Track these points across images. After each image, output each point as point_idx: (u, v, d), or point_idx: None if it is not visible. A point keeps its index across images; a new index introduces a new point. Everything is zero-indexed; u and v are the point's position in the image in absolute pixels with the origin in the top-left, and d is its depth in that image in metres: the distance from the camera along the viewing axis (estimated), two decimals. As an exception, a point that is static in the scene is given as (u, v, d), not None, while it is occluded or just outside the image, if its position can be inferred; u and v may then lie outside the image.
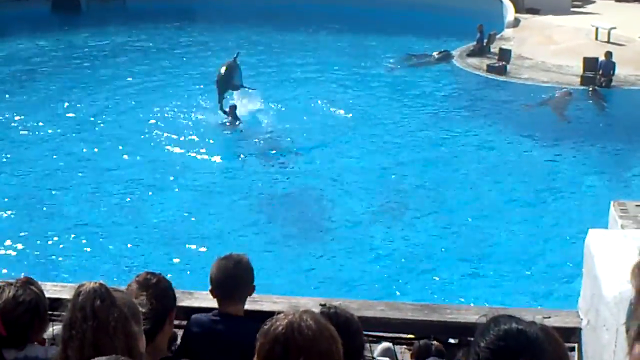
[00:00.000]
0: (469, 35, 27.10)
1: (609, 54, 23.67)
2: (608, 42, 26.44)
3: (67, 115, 21.63)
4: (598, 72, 23.38)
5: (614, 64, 23.47)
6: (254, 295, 4.52)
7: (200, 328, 4.38)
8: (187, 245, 14.24)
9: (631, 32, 26.85)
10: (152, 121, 20.86)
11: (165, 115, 21.37)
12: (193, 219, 15.48)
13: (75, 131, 20.43)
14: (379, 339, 4.74)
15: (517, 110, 21.91)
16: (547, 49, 26.78)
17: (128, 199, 16.31)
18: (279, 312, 2.61)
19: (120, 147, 19.00)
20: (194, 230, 14.88)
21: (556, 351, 2.57)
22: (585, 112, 22.07)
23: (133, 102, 22.66)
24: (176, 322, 4.05)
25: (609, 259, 4.55)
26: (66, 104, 22.39)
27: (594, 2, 32.55)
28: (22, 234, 14.60)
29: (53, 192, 16.61)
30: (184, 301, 4.46)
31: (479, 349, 2.63)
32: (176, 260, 13.60)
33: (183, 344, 4.43)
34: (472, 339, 2.59)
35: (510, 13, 30.33)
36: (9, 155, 18.81)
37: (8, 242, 14.23)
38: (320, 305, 4.59)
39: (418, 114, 21.78)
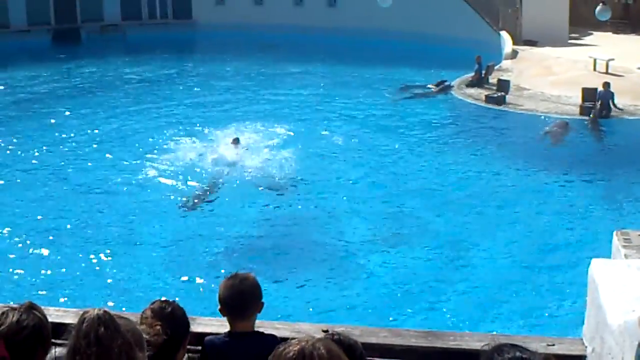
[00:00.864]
0: (467, 67, 27.26)
1: (607, 85, 23.81)
2: (606, 73, 26.60)
3: (67, 144, 21.67)
4: (597, 102, 23.50)
5: (612, 94, 23.61)
6: (256, 321, 4.52)
7: (216, 350, 4.44)
8: (183, 272, 14.24)
9: (629, 63, 27.03)
10: (152, 149, 20.89)
11: (165, 143, 21.40)
12: (186, 243, 15.47)
13: (75, 159, 20.46)
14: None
15: (517, 140, 21.98)
16: (545, 80, 26.93)
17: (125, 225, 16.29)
18: (292, 338, 2.60)
19: (119, 175, 19.01)
20: (190, 256, 14.86)
21: None
22: (584, 142, 22.15)
23: (133, 132, 22.72)
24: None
25: (613, 288, 4.55)
26: (65, 134, 22.45)
27: (591, 34, 32.78)
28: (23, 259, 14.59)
29: (53, 218, 16.58)
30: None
31: None
32: (178, 286, 13.54)
33: None
34: None
35: (508, 45, 30.53)
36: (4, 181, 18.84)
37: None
38: (323, 331, 4.58)
39: (417, 144, 21.83)
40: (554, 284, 13.78)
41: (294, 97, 26.53)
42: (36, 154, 20.87)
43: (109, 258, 14.73)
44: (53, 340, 3.64)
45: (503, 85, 25.81)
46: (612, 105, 23.46)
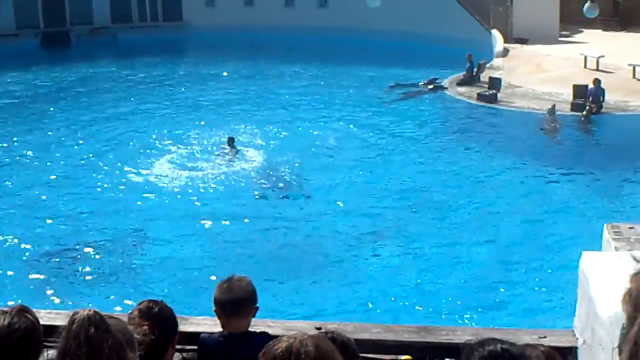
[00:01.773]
0: (459, 65, 27.31)
1: (597, 81, 23.88)
2: (597, 69, 26.68)
3: (58, 147, 21.63)
4: (588, 99, 23.58)
5: (603, 90, 23.69)
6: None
7: (210, 349, 4.48)
8: (180, 273, 14.21)
9: (619, 60, 27.09)
10: (145, 153, 20.87)
11: (157, 146, 21.39)
12: (182, 246, 15.46)
13: (66, 163, 20.42)
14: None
15: (509, 137, 22.04)
16: (536, 77, 27.00)
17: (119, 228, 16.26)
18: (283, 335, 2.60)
19: (110, 180, 18.97)
20: (186, 259, 14.85)
21: None
22: (576, 138, 22.25)
23: (124, 134, 22.69)
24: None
25: (603, 281, 4.57)
26: (55, 136, 22.42)
27: (581, 31, 32.85)
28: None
29: (43, 221, 16.54)
30: (179, 326, 4.45)
31: None
32: (173, 289, 13.53)
33: None
34: None
35: (499, 43, 30.59)
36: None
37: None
38: (316, 328, 4.59)
39: (409, 142, 21.86)
40: (545, 277, 13.85)
41: (286, 97, 26.55)
42: (27, 159, 20.82)
43: (103, 259, 14.71)
44: (45, 343, 3.64)
45: (494, 83, 25.87)
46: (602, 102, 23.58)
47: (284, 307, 12.52)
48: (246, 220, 16.61)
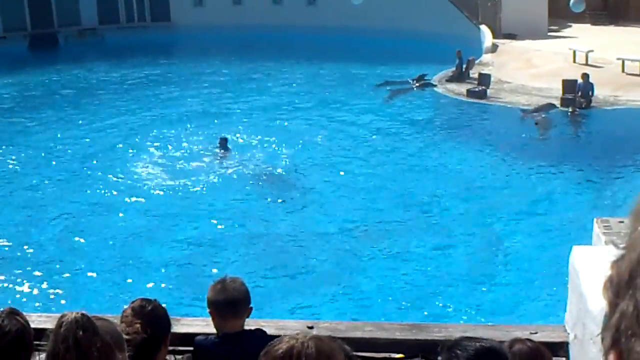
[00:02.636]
0: (448, 62, 27.34)
1: (586, 76, 23.93)
2: (586, 64, 26.75)
3: (46, 150, 21.55)
4: (577, 93, 23.63)
5: (592, 85, 23.74)
6: (242, 320, 4.53)
7: (206, 351, 4.50)
8: (173, 271, 14.21)
9: (608, 54, 27.17)
10: (134, 155, 20.82)
11: (147, 148, 21.34)
12: (170, 246, 15.44)
13: (55, 165, 20.36)
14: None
15: (499, 133, 22.08)
16: (526, 73, 27.05)
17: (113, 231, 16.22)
18: (279, 335, 2.58)
19: (102, 182, 18.91)
20: (180, 259, 14.84)
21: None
22: (565, 133, 22.32)
23: (114, 136, 22.62)
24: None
25: (593, 275, 4.58)
26: (44, 141, 22.33)
27: (570, 26, 32.95)
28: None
29: (30, 228, 16.49)
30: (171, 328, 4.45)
31: None
32: (167, 289, 13.50)
33: None
34: None
35: (488, 39, 30.64)
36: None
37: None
38: (308, 327, 4.60)
39: (399, 139, 21.87)
40: (536, 272, 13.89)
41: (275, 96, 26.53)
42: (15, 161, 20.76)
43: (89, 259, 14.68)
44: (36, 346, 3.63)
45: (484, 79, 25.91)
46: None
47: (276, 306, 12.52)
48: (237, 219, 16.59)
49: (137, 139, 22.10)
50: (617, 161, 19.33)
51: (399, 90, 26.58)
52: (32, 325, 3.70)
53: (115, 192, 18.32)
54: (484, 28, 31.38)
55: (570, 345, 4.71)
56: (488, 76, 26.06)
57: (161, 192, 18.31)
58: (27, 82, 29.32)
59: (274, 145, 21.30)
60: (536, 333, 4.52)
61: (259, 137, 21.98)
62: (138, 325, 3.63)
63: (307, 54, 30.42)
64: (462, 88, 25.89)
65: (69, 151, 21.59)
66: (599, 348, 1.07)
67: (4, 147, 21.84)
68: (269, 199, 17.76)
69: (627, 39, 29.31)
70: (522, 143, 21.14)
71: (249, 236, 15.75)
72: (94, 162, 20.51)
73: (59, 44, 34.47)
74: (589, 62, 26.92)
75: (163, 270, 14.39)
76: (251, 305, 4.52)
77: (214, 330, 4.54)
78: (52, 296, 13.34)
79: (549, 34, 31.88)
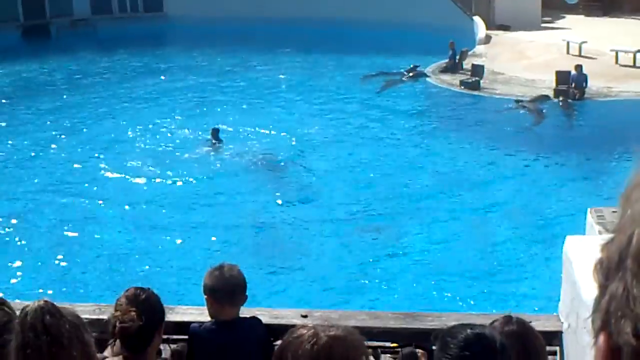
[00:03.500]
0: (441, 53, 27.33)
1: (579, 67, 23.95)
2: (579, 55, 26.75)
3: (38, 139, 21.49)
4: (570, 85, 23.66)
5: (585, 76, 23.76)
6: (235, 309, 4.54)
7: (202, 338, 4.50)
8: (168, 261, 14.21)
9: (601, 45, 27.18)
10: (128, 146, 20.77)
11: (140, 139, 21.30)
12: (168, 237, 15.43)
13: (48, 156, 20.30)
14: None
15: (493, 124, 22.11)
16: (519, 64, 27.06)
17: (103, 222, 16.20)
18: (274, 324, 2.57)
19: (95, 173, 18.87)
20: (175, 249, 14.84)
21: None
22: (558, 124, 22.36)
23: (106, 127, 22.56)
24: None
25: (587, 265, 4.59)
26: (37, 131, 22.28)
27: (563, 17, 32.95)
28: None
29: (26, 217, 16.46)
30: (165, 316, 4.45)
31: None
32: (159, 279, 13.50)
33: (190, 358, 4.57)
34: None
35: (481, 30, 30.62)
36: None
37: None
38: (302, 316, 4.60)
39: (393, 131, 21.87)
40: (530, 261, 13.94)
41: (270, 87, 26.47)
42: (8, 151, 20.71)
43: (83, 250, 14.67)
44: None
45: (477, 70, 25.91)
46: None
47: (270, 294, 12.54)
48: (230, 210, 16.59)
49: (129, 130, 22.04)
50: (610, 152, 19.37)
51: (392, 81, 26.56)
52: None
53: (104, 184, 18.27)
54: (477, 19, 31.36)
55: (564, 334, 4.73)
56: (481, 67, 26.06)
57: (152, 182, 18.28)
58: (19, 72, 29.20)
59: (266, 136, 21.27)
60: (530, 322, 4.52)
61: (252, 128, 21.94)
62: (133, 314, 3.63)
63: (301, 44, 30.33)
64: (456, 79, 25.90)
65: (63, 139, 21.55)
66: (592, 336, 1.07)
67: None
68: (261, 189, 17.75)
69: (621, 30, 29.32)
70: (515, 134, 21.17)
71: (243, 226, 15.75)
72: (85, 152, 20.47)
73: (51, 35, 34.32)
74: (583, 54, 26.93)
75: (154, 261, 14.40)
76: (246, 294, 4.52)
77: (208, 319, 4.54)
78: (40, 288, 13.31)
79: (542, 25, 31.87)
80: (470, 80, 25.29)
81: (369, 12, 31.84)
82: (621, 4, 34.04)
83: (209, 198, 17.31)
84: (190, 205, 16.99)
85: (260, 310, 4.95)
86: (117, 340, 3.70)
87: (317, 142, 20.95)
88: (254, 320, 4.53)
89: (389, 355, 4.69)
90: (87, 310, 4.65)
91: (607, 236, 1.07)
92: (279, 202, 17.06)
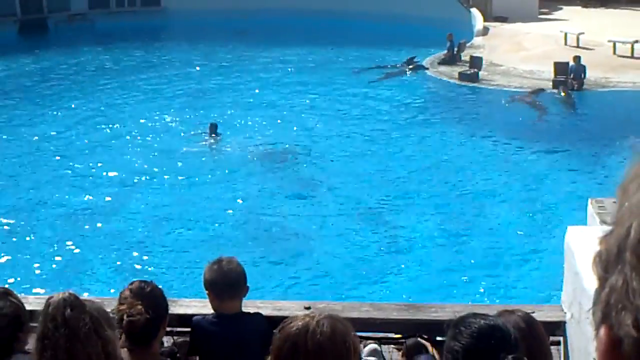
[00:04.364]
0: (439, 45, 27.31)
1: (577, 58, 23.97)
2: (577, 47, 26.77)
3: (36, 135, 21.46)
4: (569, 76, 23.67)
5: (584, 67, 23.78)
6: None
7: (204, 331, 4.51)
8: (168, 255, 14.24)
9: (599, 36, 27.19)
10: (125, 140, 20.75)
11: (138, 133, 21.27)
12: (169, 230, 15.43)
13: (47, 150, 20.27)
14: (366, 340, 4.74)
15: (492, 115, 22.13)
16: (517, 56, 27.06)
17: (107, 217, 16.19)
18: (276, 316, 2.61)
19: (94, 168, 18.84)
20: (174, 241, 14.85)
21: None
22: (557, 115, 22.37)
23: (105, 122, 22.53)
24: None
25: (588, 255, 4.59)
26: (34, 125, 22.24)
27: (560, 8, 32.93)
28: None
29: (24, 214, 16.44)
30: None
31: (457, 353, 2.66)
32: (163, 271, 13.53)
33: (192, 350, 4.59)
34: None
35: (479, 22, 30.61)
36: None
37: None
38: (305, 308, 4.60)
39: (392, 123, 21.86)
40: (531, 252, 13.95)
41: (269, 81, 26.45)
42: (7, 146, 20.70)
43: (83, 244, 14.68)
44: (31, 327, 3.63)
45: (475, 62, 25.90)
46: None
47: (273, 287, 12.56)
48: (230, 204, 16.60)
49: (127, 124, 22.02)
50: (609, 142, 19.40)
51: (390, 74, 26.55)
52: (30, 307, 3.70)
53: (101, 179, 18.25)
54: (474, 11, 31.33)
55: (567, 325, 4.74)
56: (479, 59, 26.05)
57: (150, 176, 18.27)
58: (16, 68, 29.14)
59: (265, 130, 21.26)
60: (533, 313, 4.53)
61: (251, 121, 21.94)
62: (140, 307, 3.63)
63: (299, 38, 30.30)
64: (454, 71, 25.89)
65: (61, 134, 21.53)
66: (593, 328, 1.08)
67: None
68: (261, 182, 17.75)
69: (618, 21, 29.33)
70: (514, 125, 21.17)
71: (242, 221, 15.76)
72: (82, 146, 20.45)
73: (48, 30, 34.25)
74: (580, 45, 26.94)
75: (157, 256, 14.41)
76: (248, 285, 4.54)
77: (211, 311, 4.55)
78: (47, 280, 13.32)
79: (540, 16, 31.85)
80: (468, 72, 25.29)
81: (365, 4, 31.80)
82: (619, -6, 34.03)
83: (208, 192, 17.30)
84: (189, 199, 16.99)
85: (263, 302, 4.96)
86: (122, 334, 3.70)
87: (316, 135, 20.93)
88: (258, 316, 4.54)
89: (393, 346, 4.70)
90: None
91: (607, 227, 1.08)
92: (280, 195, 17.06)
